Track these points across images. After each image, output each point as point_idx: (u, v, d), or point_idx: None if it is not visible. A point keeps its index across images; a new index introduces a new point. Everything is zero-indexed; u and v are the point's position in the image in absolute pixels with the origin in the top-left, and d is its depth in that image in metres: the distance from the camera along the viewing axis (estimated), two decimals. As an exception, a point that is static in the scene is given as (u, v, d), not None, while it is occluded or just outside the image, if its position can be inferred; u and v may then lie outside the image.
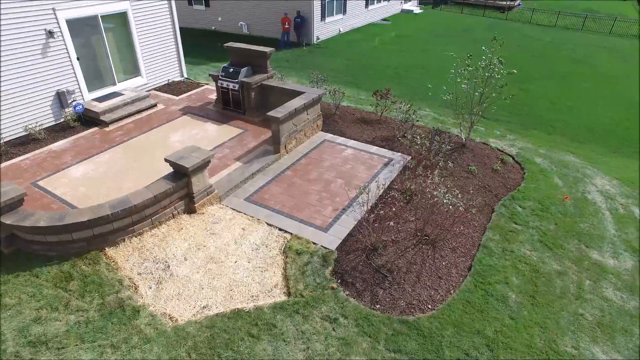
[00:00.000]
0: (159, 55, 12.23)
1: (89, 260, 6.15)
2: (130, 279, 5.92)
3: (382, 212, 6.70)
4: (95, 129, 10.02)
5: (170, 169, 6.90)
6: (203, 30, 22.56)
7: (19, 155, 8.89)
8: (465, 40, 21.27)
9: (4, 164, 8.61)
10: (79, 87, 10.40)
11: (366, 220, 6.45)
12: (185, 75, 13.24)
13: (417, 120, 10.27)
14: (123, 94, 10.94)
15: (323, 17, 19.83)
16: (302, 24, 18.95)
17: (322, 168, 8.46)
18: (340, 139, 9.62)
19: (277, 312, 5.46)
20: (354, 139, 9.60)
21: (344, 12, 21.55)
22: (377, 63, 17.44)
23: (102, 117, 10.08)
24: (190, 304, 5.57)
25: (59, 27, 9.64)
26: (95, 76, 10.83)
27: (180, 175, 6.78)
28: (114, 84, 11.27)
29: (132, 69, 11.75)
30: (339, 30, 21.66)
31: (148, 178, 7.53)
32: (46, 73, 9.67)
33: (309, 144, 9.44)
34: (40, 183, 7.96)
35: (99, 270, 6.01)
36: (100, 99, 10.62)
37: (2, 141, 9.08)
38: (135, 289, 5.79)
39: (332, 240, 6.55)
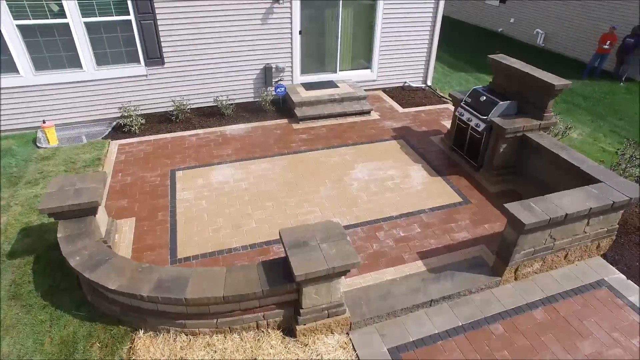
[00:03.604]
0: (403, 51, 9.23)
1: (109, 339, 3.88)
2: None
3: None
4: (284, 121, 7.94)
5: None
6: (487, 30, 18.39)
7: (194, 129, 7.56)
8: None
9: (174, 135, 7.40)
10: (291, 66, 8.45)
11: None
12: (429, 83, 9.91)
13: None
14: (337, 87, 8.51)
15: (677, 45, 12.82)
16: (634, 47, 12.64)
17: (571, 337, 4.00)
18: (636, 288, 4.71)
19: None
20: (673, 308, 4.52)
21: None
22: None
23: (296, 110, 7.91)
24: None
25: (292, -11, 7.69)
26: (314, 57, 8.70)
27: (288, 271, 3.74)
28: (334, 71, 8.94)
29: (362, 59, 9.17)
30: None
31: (285, 223, 4.89)
32: (260, 42, 7.99)
33: (566, 276, 4.91)
34: (178, 174, 6.30)
35: (102, 370, 3.68)
36: (308, 86, 8.47)
37: (188, 107, 7.94)
38: None
39: None
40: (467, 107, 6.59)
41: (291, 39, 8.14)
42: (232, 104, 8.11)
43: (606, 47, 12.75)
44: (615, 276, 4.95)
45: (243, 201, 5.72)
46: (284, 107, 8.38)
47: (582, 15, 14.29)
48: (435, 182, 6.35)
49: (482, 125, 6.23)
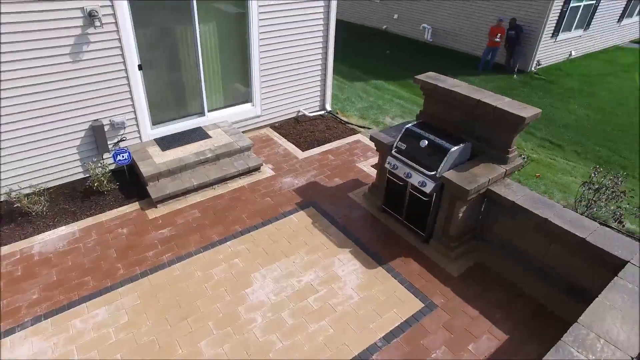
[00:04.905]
0: (292, 70, 7.01)
1: None
2: None
3: None
4: (133, 207, 5.19)
5: None
6: (370, 28, 17.16)
7: (-23, 246, 4.46)
8: None
9: None
10: (135, 118, 5.69)
11: None
12: (329, 107, 7.86)
13: None
14: (209, 137, 5.99)
15: (556, 31, 12.66)
16: (517, 39, 12.15)
17: None
18: None
19: None
20: None
21: (587, 26, 13.94)
22: (656, 125, 9.87)
23: (149, 188, 5.22)
24: None
25: (112, 3, 4.94)
26: (169, 99, 6.04)
27: None
28: (201, 113, 6.38)
29: (238, 91, 6.76)
30: (570, 54, 14.17)
31: None
32: (78, 88, 5.10)
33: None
34: None
35: None
36: (165, 143, 5.82)
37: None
38: None
39: None
40: (401, 158, 4.59)
41: (127, 77, 5.39)
42: (43, 194, 5.11)
43: (497, 40, 12.08)
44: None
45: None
46: (132, 180, 5.62)
47: (470, 9, 13.55)
48: (376, 278, 4.25)
49: (430, 185, 4.27)
